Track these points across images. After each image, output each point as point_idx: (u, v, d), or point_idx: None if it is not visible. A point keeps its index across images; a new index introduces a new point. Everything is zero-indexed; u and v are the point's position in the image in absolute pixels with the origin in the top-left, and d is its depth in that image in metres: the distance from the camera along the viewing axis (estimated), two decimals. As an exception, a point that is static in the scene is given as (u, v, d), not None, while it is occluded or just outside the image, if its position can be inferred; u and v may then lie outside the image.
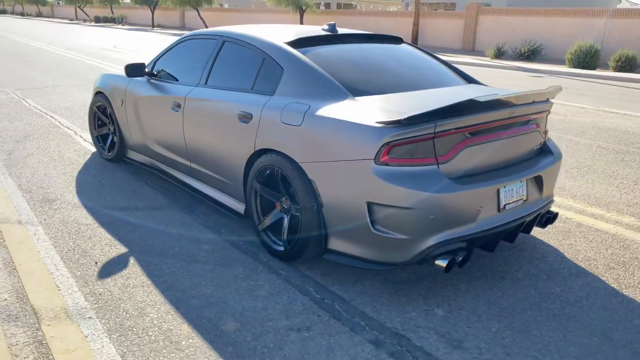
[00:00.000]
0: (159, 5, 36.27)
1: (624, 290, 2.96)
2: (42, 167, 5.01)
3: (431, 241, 2.61)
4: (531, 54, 18.85)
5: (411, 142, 2.57)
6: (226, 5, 47.80)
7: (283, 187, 3.12)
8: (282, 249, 3.17)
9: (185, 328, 2.54)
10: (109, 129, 5.20)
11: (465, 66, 16.42)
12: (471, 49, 23.01)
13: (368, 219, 2.65)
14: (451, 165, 2.67)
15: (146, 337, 2.47)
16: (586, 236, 3.69)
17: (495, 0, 28.03)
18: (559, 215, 4.03)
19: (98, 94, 5.19)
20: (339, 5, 48.37)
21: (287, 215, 3.14)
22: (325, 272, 3.09)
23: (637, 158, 5.80)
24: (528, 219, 3.03)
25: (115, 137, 5.07)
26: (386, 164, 2.58)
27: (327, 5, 47.63)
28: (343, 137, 2.71)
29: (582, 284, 3.02)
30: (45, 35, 26.89)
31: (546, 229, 3.75)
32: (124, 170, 4.99)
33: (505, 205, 2.85)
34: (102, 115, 5.23)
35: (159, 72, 4.42)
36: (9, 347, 2.37)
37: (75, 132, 6.45)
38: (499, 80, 13.09)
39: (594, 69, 15.97)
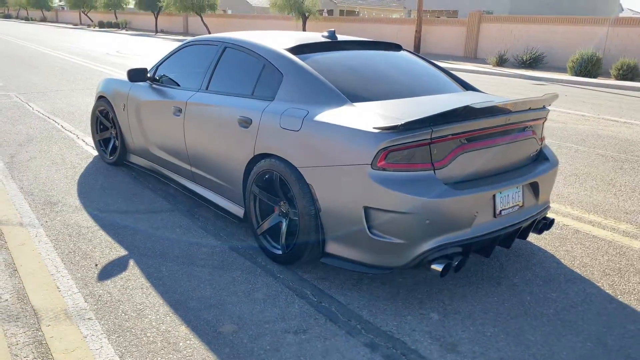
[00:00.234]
0: (162, 10, 36.49)
1: (619, 297, 2.99)
2: (44, 170, 5.06)
3: (427, 246, 2.64)
4: (533, 62, 18.91)
5: (408, 147, 2.60)
6: (229, 12, 48.08)
7: (282, 191, 3.15)
8: (280, 252, 3.20)
9: (183, 330, 2.57)
10: (111, 133, 5.25)
11: (467, 74, 16.49)
12: (473, 57, 23.09)
13: (365, 224, 2.69)
14: (447, 170, 2.70)
15: (144, 338, 2.50)
16: (583, 243, 3.71)
17: (497, 8, 28.14)
18: (556, 221, 4.06)
19: (100, 98, 5.24)
20: (341, 12, 48.57)
21: (286, 219, 3.18)
22: (323, 275, 3.12)
23: (636, 166, 5.83)
24: (524, 224, 3.06)
25: (117, 141, 5.12)
26: (383, 169, 2.61)
27: (330, 12, 47.86)
28: (340, 142, 2.75)
29: (577, 290, 3.05)
30: (49, 39, 27.06)
31: (542, 235, 3.77)
32: (125, 174, 5.03)
33: (501, 210, 2.88)
34: (104, 120, 5.28)
35: (160, 77, 4.47)
36: (9, 347, 2.40)
37: (77, 136, 6.51)
38: (501, 87, 13.13)
39: (595, 77, 16.02)
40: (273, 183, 3.20)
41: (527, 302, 2.90)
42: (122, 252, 3.39)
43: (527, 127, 3.11)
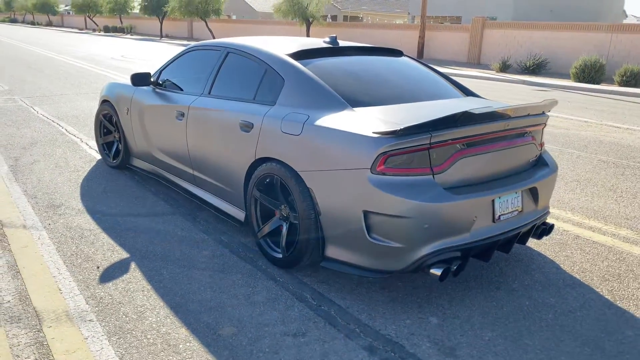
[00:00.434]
0: (167, 15, 36.70)
1: (618, 302, 2.99)
2: (47, 173, 5.10)
3: (426, 250, 2.66)
4: (536, 68, 18.92)
5: (407, 152, 2.63)
6: (234, 17, 48.32)
7: (282, 195, 3.18)
8: (280, 256, 3.22)
9: (184, 332, 2.59)
10: (115, 136, 5.29)
11: (471, 79, 16.52)
12: (477, 62, 23.11)
13: (364, 227, 2.71)
14: (446, 175, 2.72)
15: (145, 340, 2.52)
16: (583, 248, 3.72)
17: (501, 14, 28.18)
18: (557, 227, 4.06)
19: (104, 102, 5.29)
20: (345, 18, 48.72)
21: (286, 223, 3.20)
22: (322, 279, 3.14)
23: (638, 172, 5.83)
24: (523, 230, 3.07)
25: (120, 145, 5.16)
26: (382, 174, 2.63)
27: (334, 18, 48.02)
28: (340, 147, 2.77)
29: (576, 295, 3.05)
30: (54, 44, 27.24)
31: (542, 240, 3.78)
32: (128, 177, 5.06)
33: (500, 215, 2.89)
34: (108, 123, 5.32)
35: (164, 81, 4.51)
36: (10, 348, 2.42)
37: (81, 139, 6.55)
38: (503, 93, 13.15)
39: (598, 83, 16.01)
40: (274, 187, 3.22)
41: (526, 307, 2.91)
42: (124, 254, 3.41)
43: (526, 132, 3.13)
